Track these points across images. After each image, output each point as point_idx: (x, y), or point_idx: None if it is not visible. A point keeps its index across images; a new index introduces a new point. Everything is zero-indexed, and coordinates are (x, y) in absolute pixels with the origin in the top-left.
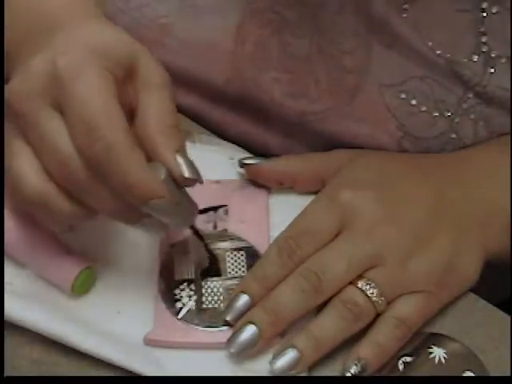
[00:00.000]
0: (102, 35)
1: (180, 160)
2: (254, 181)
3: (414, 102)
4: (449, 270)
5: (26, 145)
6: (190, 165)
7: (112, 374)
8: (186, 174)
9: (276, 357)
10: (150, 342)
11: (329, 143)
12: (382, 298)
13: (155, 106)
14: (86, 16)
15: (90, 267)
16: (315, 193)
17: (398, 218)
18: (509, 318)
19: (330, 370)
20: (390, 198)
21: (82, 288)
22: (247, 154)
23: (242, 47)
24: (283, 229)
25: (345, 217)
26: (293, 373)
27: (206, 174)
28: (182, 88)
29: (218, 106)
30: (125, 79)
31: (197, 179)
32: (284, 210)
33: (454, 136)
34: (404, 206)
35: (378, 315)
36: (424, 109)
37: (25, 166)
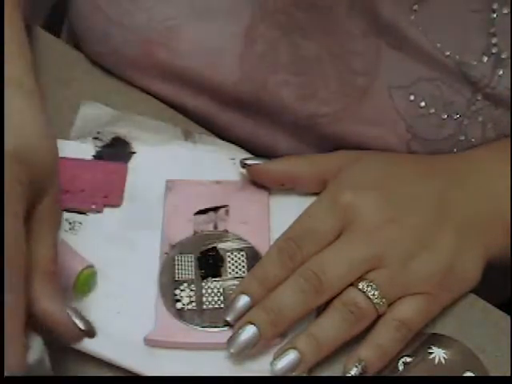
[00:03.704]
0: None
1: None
2: (255, 181)
3: (422, 103)
4: (450, 272)
5: None
6: (82, 317)
7: (112, 374)
8: (82, 327)
9: (277, 358)
10: (150, 343)
11: (338, 145)
12: (384, 300)
13: (43, 252)
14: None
15: (92, 266)
16: (316, 194)
17: (399, 220)
18: (509, 317)
19: (331, 372)
20: (391, 200)
21: (84, 287)
22: (248, 155)
23: (251, 49)
24: (284, 229)
25: (346, 218)
26: (293, 374)
27: (206, 175)
28: (191, 90)
29: (226, 108)
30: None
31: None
32: (285, 211)
33: (462, 138)
34: (406, 208)
35: (378, 317)
36: (433, 111)
37: None
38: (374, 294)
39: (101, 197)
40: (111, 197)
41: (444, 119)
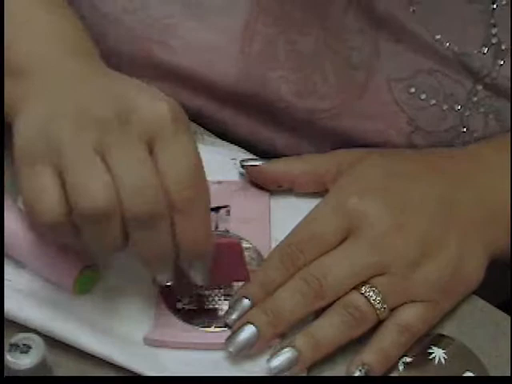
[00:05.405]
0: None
1: None
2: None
3: (423, 96)
4: (454, 278)
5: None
6: None
7: (112, 374)
8: None
9: (274, 355)
10: (150, 342)
11: (338, 141)
12: (385, 306)
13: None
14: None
15: (92, 265)
16: (316, 194)
17: (405, 226)
18: (509, 318)
19: (331, 374)
20: (396, 205)
21: (84, 286)
22: (249, 155)
23: (249, 47)
24: (285, 229)
25: (351, 223)
26: (291, 373)
27: (207, 175)
28: (189, 89)
29: (225, 106)
30: None
31: None
32: (285, 211)
33: (464, 130)
34: (412, 212)
35: (379, 322)
36: (433, 102)
37: (48, 187)
38: (375, 299)
39: (228, 279)
40: (237, 276)
41: (445, 111)
